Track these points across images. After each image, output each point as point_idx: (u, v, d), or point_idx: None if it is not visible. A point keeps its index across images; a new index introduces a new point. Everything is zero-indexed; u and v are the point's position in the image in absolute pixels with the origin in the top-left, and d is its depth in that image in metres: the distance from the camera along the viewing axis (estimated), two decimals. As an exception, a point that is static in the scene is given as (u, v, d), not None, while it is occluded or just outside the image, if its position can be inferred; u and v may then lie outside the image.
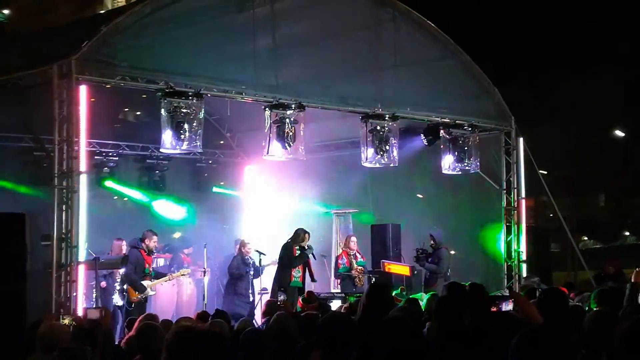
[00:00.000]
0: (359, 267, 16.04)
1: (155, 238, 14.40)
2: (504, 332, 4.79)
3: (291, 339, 7.35)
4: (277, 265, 15.20)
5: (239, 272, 15.65)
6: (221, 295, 16.74)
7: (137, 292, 13.93)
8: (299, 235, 14.96)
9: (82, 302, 11.60)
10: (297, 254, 14.75)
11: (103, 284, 14.58)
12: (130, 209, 17.74)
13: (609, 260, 17.23)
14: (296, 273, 14.71)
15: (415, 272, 15.77)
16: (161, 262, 16.59)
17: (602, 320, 5.70)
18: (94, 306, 12.60)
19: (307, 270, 14.95)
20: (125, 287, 14.05)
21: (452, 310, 6.14)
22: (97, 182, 16.53)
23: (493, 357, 4.66)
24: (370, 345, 5.30)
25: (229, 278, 15.89)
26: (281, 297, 7.82)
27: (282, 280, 14.65)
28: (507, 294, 11.70)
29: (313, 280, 15.02)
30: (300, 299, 9.72)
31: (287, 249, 14.87)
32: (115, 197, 17.61)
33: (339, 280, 16.31)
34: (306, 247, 14.83)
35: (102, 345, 6.85)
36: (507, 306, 5.59)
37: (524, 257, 16.43)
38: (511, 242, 16.49)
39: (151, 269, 14.48)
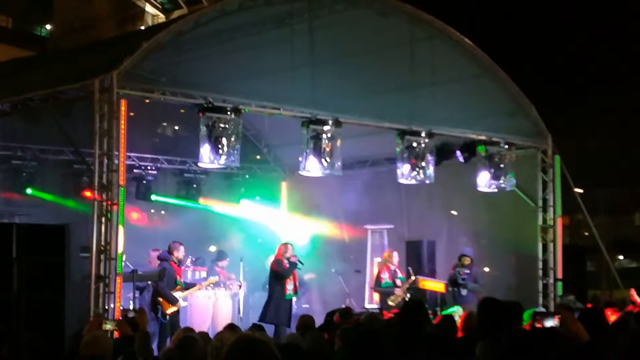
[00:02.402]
0: (404, 286, 15.96)
1: (181, 248, 14.52)
2: (549, 349, 4.78)
3: (325, 356, 7.40)
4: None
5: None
6: (256, 308, 16.87)
7: (170, 305, 14.04)
8: (281, 249, 15.11)
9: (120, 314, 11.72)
10: (287, 267, 14.80)
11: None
12: (168, 221, 17.91)
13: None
14: (289, 286, 14.78)
15: (450, 289, 15.76)
16: (200, 274, 16.65)
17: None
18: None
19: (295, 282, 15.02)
20: (158, 299, 14.17)
21: (492, 327, 6.15)
22: (136, 195, 16.73)
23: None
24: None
25: None
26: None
27: (278, 294, 14.73)
28: (551, 310, 11.63)
29: (296, 293, 15.12)
30: (337, 314, 9.75)
31: (278, 263, 14.94)
32: (153, 210, 17.80)
33: (378, 295, 16.31)
34: (291, 259, 14.85)
35: (141, 348, 6.93)
36: (550, 323, 5.53)
37: (559, 275, 16.32)
38: (547, 261, 16.39)
39: (182, 281, 14.58)
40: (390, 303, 15.65)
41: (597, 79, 31.88)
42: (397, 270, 16.18)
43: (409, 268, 16.22)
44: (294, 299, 15.22)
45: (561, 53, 32.04)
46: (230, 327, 9.14)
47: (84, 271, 11.77)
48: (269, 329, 13.26)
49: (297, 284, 15.12)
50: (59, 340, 10.46)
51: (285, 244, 15.25)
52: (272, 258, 17.92)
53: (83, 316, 11.09)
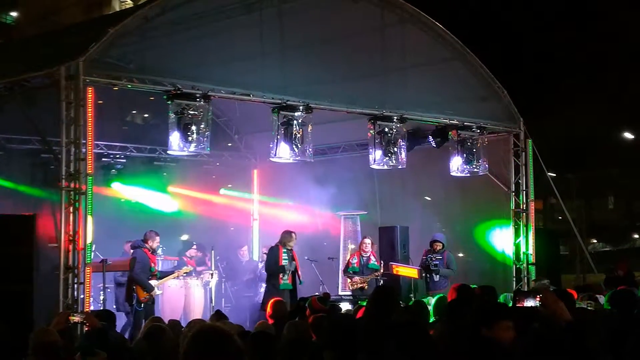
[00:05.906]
0: (367, 278, 15.84)
1: (157, 239, 14.43)
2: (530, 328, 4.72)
3: (303, 342, 7.30)
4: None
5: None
6: (228, 297, 16.78)
7: (145, 292, 13.93)
8: (285, 237, 14.91)
9: (90, 304, 11.58)
10: (283, 258, 14.62)
11: None
12: (138, 210, 17.71)
13: (619, 263, 17.23)
14: (284, 276, 14.59)
15: (424, 274, 15.72)
16: (172, 264, 16.53)
17: (616, 323, 5.64)
18: (102, 308, 12.59)
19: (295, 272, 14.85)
20: (133, 287, 14.03)
21: (464, 312, 6.09)
22: (105, 184, 16.52)
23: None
24: (378, 347, 5.27)
25: None
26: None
27: (271, 285, 14.61)
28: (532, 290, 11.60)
29: (299, 282, 14.94)
30: (315, 298, 9.71)
31: (273, 252, 14.78)
32: (123, 199, 17.59)
33: (348, 282, 16.24)
34: (290, 248, 14.73)
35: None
36: (531, 302, 5.48)
37: (532, 259, 16.32)
38: (520, 245, 16.39)
39: (157, 269, 14.47)
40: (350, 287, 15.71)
41: (569, 63, 31.98)
42: (372, 256, 16.03)
43: (381, 262, 16.09)
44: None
45: (533, 38, 32.10)
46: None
47: (53, 261, 11.58)
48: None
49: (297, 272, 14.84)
50: (28, 332, 10.29)
51: (290, 232, 14.99)
52: (245, 248, 17.85)
53: (52, 307, 10.92)
